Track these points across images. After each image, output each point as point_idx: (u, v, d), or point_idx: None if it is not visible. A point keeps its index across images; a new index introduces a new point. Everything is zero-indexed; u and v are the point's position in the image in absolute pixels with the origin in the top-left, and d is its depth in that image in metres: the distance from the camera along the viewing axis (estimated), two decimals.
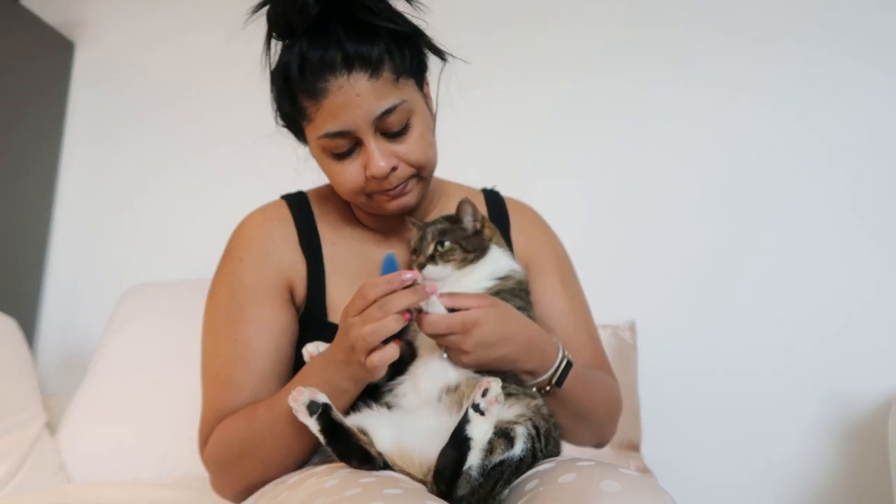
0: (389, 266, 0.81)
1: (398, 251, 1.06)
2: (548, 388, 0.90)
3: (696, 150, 1.92)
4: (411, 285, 0.80)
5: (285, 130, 1.01)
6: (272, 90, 0.96)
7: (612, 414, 1.07)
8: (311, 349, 0.90)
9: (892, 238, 1.77)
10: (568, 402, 0.93)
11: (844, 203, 1.81)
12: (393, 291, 0.79)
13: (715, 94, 1.91)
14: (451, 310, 0.84)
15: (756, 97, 1.89)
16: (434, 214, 1.08)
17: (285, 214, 1.05)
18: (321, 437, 0.79)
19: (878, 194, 1.79)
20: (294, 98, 0.91)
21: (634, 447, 1.61)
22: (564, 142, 2.00)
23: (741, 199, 1.87)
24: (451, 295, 0.86)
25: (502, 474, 0.79)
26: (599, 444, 1.08)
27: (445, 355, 0.86)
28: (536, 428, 0.82)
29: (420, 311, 0.82)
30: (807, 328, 1.77)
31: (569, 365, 0.92)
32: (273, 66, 0.95)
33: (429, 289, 0.81)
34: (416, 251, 0.95)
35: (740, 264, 1.84)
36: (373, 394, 0.89)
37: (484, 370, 0.85)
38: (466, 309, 0.83)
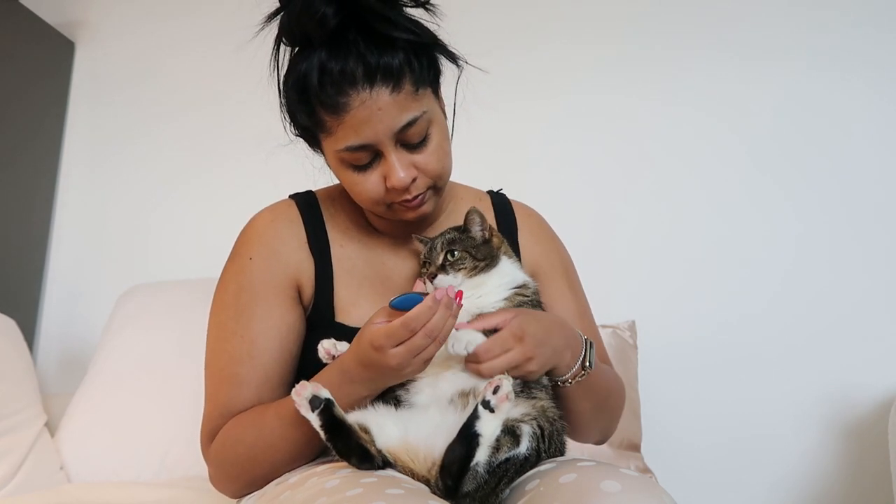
0: (406, 301, 0.80)
1: (406, 253, 1.07)
2: (583, 371, 0.93)
3: (696, 152, 1.93)
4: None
5: (296, 138, 1.00)
6: (284, 100, 0.95)
7: (621, 403, 1.11)
8: (328, 346, 0.89)
9: (893, 239, 1.77)
10: (593, 385, 0.96)
11: (845, 204, 1.81)
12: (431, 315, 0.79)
13: (712, 105, 1.93)
14: (486, 333, 0.85)
15: (751, 106, 1.90)
16: (445, 216, 1.09)
17: (294, 214, 1.05)
18: (322, 433, 0.80)
19: (878, 197, 1.79)
20: (313, 111, 0.90)
21: (634, 447, 1.61)
22: (566, 145, 2.01)
23: (741, 199, 1.88)
24: (477, 319, 0.87)
25: (506, 472, 0.79)
26: (603, 439, 1.11)
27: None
28: (541, 428, 0.83)
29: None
30: (807, 328, 1.77)
31: (591, 345, 0.95)
32: (283, 73, 0.94)
33: (449, 291, 0.80)
34: (426, 263, 0.96)
35: (740, 265, 1.84)
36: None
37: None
38: (500, 328, 0.85)
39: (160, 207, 2.25)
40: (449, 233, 0.98)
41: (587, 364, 0.93)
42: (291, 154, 1.02)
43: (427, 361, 0.81)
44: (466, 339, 0.83)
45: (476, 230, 0.97)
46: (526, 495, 0.76)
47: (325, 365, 0.89)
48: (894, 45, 1.84)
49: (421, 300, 0.79)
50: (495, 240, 0.99)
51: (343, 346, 0.89)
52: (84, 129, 2.35)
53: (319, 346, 0.89)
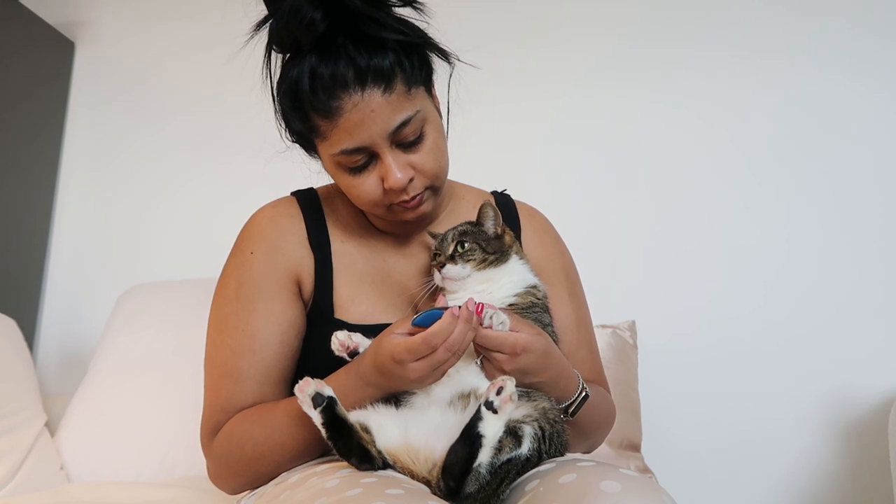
0: (428, 318, 0.81)
1: (407, 251, 1.07)
2: (562, 416, 0.92)
3: (694, 153, 1.93)
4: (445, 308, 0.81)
5: (292, 145, 1.00)
6: (278, 107, 0.95)
7: (608, 430, 1.11)
8: (343, 338, 0.88)
9: (893, 239, 1.77)
10: (576, 425, 0.95)
11: (845, 204, 1.81)
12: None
13: (710, 107, 1.93)
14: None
15: (749, 109, 1.90)
16: (445, 215, 1.09)
17: (295, 210, 1.06)
18: (323, 431, 0.80)
19: (878, 197, 1.79)
20: (306, 116, 0.90)
21: (634, 447, 1.61)
22: (564, 144, 2.01)
23: (739, 199, 1.88)
24: (509, 313, 0.86)
25: (508, 473, 0.79)
26: (588, 451, 1.11)
27: (479, 363, 0.87)
28: (542, 429, 0.83)
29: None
30: (807, 328, 1.77)
31: (585, 398, 0.94)
32: (276, 80, 0.94)
33: (469, 305, 0.80)
34: (436, 254, 0.96)
35: (740, 264, 1.84)
36: None
37: None
38: (516, 331, 0.85)
39: (160, 207, 2.25)
40: (462, 225, 0.98)
41: (568, 412, 0.93)
42: (291, 155, 1.02)
43: (444, 372, 0.82)
44: (502, 319, 0.83)
45: (489, 224, 0.97)
46: (526, 496, 0.76)
47: (326, 362, 0.89)
48: (893, 49, 1.83)
49: (442, 316, 0.79)
50: (507, 237, 0.99)
51: (358, 338, 0.89)
52: (84, 130, 2.35)
53: (333, 338, 0.89)
